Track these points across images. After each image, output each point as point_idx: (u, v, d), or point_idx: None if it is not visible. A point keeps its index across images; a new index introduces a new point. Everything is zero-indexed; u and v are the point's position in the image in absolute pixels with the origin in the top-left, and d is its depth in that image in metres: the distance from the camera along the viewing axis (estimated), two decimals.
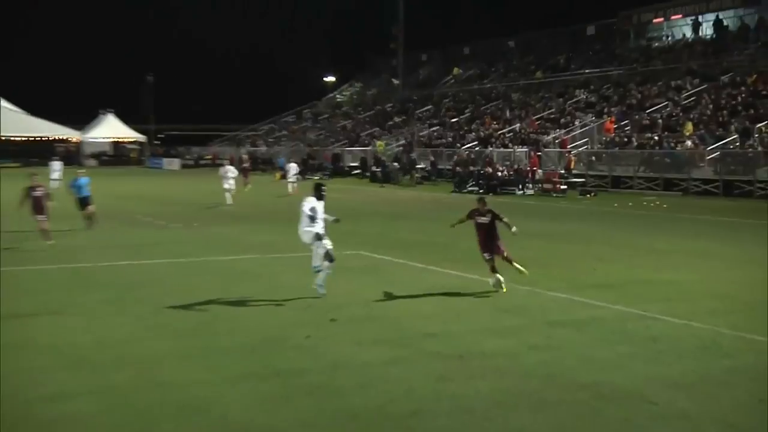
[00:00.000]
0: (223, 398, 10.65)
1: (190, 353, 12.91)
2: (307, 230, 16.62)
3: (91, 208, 28.23)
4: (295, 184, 47.99)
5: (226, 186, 41.70)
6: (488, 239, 17.13)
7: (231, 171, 42.89)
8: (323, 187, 17.41)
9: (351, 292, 17.62)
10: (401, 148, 73.37)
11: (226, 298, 17.25)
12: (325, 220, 16.92)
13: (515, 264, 16.99)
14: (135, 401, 10.54)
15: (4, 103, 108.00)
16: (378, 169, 65.66)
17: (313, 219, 16.46)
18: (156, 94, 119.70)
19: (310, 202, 16.71)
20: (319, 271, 16.61)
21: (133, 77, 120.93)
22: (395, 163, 66.34)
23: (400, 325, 14.61)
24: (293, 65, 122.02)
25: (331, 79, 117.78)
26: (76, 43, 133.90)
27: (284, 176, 52.28)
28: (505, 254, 17.24)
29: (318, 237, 16.49)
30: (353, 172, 73.93)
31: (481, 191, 50.56)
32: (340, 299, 16.55)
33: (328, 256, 16.28)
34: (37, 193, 24.14)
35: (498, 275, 16.80)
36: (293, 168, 50.88)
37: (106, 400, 10.61)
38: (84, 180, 28.60)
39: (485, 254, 17.18)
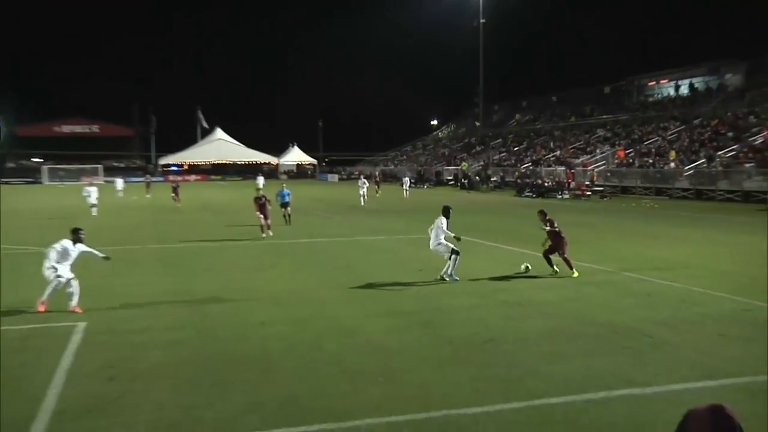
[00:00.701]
0: (366, 327, 10.94)
1: (346, 297, 13.28)
2: (442, 243, 15.05)
3: (288, 209, 27.73)
4: (408, 191, 48.48)
5: (360, 192, 41.30)
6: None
7: (363, 182, 42.43)
8: (449, 209, 15.76)
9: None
10: (481, 166, 72.97)
11: (367, 263, 17.53)
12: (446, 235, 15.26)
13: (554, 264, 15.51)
14: (313, 326, 10.94)
15: (229, 138, 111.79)
16: (465, 181, 65.44)
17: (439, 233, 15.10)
18: (324, 132, 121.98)
19: (442, 221, 15.24)
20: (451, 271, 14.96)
21: (310, 122, 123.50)
22: (477, 177, 66.49)
23: (479, 282, 14.69)
24: (412, 112, 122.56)
25: (435, 122, 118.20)
26: (280, 100, 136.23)
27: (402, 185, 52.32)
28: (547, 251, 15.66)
29: (447, 248, 14.94)
30: (449, 183, 73.97)
31: (534, 196, 50.22)
32: (441, 264, 16.67)
33: (455, 252, 14.90)
34: (261, 201, 23.77)
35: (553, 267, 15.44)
36: (407, 181, 51.38)
37: (295, 325, 11.04)
38: (286, 191, 28.25)
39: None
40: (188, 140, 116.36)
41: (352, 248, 20.88)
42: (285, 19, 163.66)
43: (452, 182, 73.10)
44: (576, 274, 15.07)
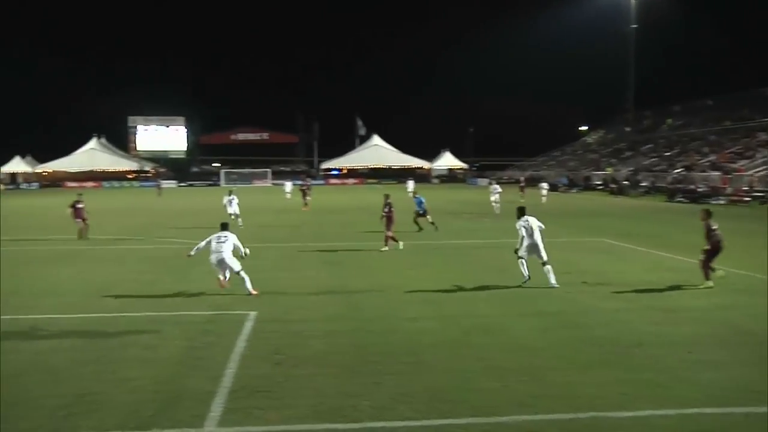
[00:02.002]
0: (512, 326, 10.85)
1: (494, 297, 13.19)
2: (534, 243, 14.18)
3: (428, 217, 25.68)
4: (545, 196, 46.01)
5: (491, 198, 37.40)
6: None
7: (495, 188, 38.75)
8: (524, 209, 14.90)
9: (594, 265, 17.15)
10: (630, 172, 69.70)
11: (517, 266, 17.27)
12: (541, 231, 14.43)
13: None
14: (461, 323, 10.98)
15: (385, 143, 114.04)
16: (614, 186, 62.75)
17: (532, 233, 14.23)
18: (474, 138, 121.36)
19: (531, 220, 14.42)
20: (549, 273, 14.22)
21: (461, 129, 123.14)
22: (626, 182, 63.46)
23: (627, 286, 14.03)
24: (561, 117, 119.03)
25: (584, 128, 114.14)
26: (432, 107, 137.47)
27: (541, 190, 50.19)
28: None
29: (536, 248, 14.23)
30: (598, 188, 71.17)
31: (686, 201, 47.35)
32: (587, 268, 16.17)
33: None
34: (388, 210, 20.74)
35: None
36: (544, 186, 48.68)
37: (444, 322, 11.14)
38: (421, 199, 26.54)
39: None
40: (347, 146, 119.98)
41: (502, 251, 20.64)
42: (437, 28, 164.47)
43: (601, 187, 70.37)
44: (711, 284, 13.76)
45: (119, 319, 11.41)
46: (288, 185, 54.96)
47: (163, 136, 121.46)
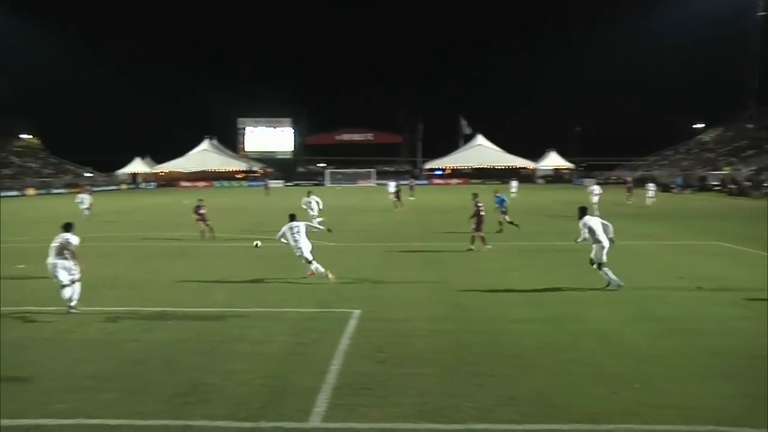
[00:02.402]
0: (622, 331, 10.50)
1: (600, 300, 12.80)
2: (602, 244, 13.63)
3: (507, 217, 25.38)
4: (652, 198, 43.45)
5: (590, 200, 35.46)
6: None
7: (593, 189, 37.25)
8: (586, 209, 14.32)
9: (710, 269, 16.33)
10: (753, 171, 65.76)
11: (623, 267, 16.66)
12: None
13: None
14: (566, 326, 10.77)
15: (489, 143, 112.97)
16: (733, 186, 59.39)
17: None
18: (582, 138, 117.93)
19: (595, 220, 13.95)
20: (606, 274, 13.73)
21: (567, 128, 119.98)
22: (748, 182, 59.85)
23: (746, 293, 13.23)
24: (674, 115, 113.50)
25: (700, 125, 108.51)
26: (538, 106, 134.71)
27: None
28: None
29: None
30: (714, 189, 67.54)
31: None
32: (702, 272, 15.41)
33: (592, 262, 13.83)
34: (479, 210, 20.36)
35: None
36: (651, 187, 45.76)
37: (548, 324, 10.94)
38: (504, 197, 26.01)
39: None
40: (451, 146, 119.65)
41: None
42: (542, 25, 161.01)
43: (719, 188, 66.77)
44: None
45: (229, 314, 11.88)
46: (392, 185, 55.38)
47: (271, 137, 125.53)
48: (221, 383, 8.08)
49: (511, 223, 25.38)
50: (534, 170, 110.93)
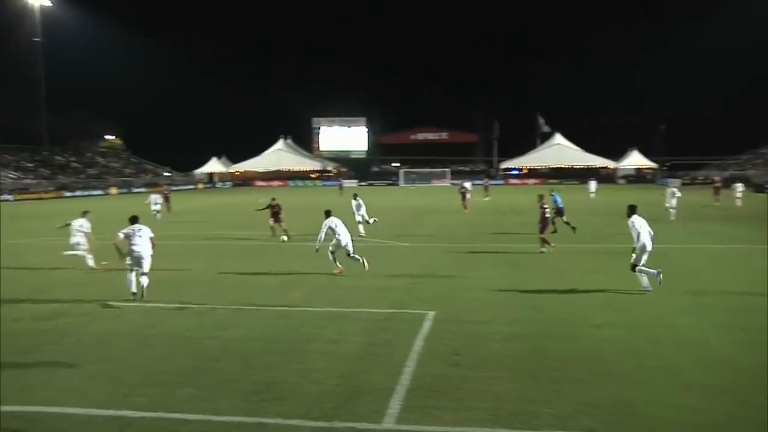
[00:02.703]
0: (710, 339, 10.11)
1: (687, 306, 12.29)
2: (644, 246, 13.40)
3: (564, 218, 25.11)
4: (740, 199, 41.27)
5: (666, 204, 32.90)
6: None
7: (674, 191, 33.88)
8: (635, 207, 14.05)
9: None
10: None
11: (712, 271, 16.04)
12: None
13: None
14: (650, 333, 10.45)
15: (568, 142, 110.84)
16: None
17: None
18: (666, 136, 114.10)
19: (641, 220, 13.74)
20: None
21: (650, 126, 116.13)
22: None
23: None
24: None
25: None
26: (619, 104, 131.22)
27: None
28: None
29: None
30: None
31: None
32: None
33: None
34: (544, 212, 20.30)
35: None
36: (739, 187, 43.42)
37: (631, 330, 10.62)
38: (558, 197, 25.73)
39: None
40: (528, 145, 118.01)
41: (693, 255, 19.30)
42: (623, 21, 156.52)
43: None
44: None
45: (303, 313, 12.06)
46: (467, 185, 55.06)
47: (345, 137, 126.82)
48: (295, 382, 8.19)
49: (567, 223, 25.18)
50: (615, 170, 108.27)
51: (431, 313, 11.74)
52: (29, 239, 25.91)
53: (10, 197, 68.06)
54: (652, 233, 13.72)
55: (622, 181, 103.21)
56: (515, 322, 11.17)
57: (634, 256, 13.58)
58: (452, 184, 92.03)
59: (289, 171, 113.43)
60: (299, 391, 7.86)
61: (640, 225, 13.62)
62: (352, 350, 9.61)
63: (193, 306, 12.71)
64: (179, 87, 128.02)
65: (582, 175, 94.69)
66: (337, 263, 16.34)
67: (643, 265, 13.50)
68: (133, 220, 14.01)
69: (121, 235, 13.75)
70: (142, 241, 13.65)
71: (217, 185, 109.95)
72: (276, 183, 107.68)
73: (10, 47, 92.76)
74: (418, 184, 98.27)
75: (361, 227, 25.47)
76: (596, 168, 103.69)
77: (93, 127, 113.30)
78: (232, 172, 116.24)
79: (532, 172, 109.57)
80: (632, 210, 13.98)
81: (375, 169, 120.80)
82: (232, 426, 6.90)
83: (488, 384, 8.03)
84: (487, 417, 7.06)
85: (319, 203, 50.51)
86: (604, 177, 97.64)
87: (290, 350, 9.60)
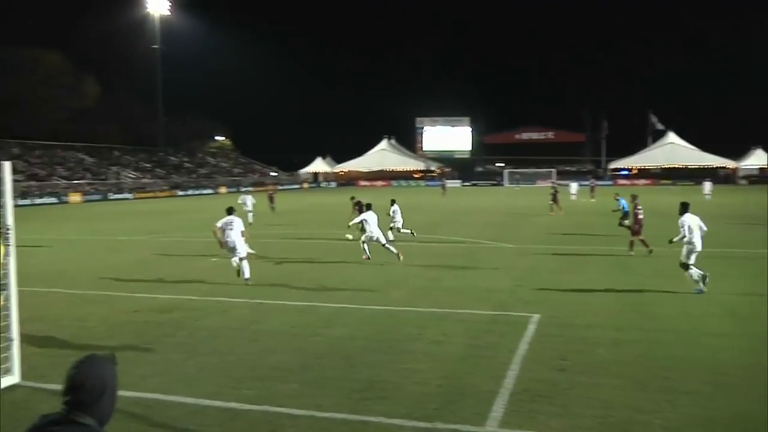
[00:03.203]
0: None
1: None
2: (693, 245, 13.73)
3: (627, 222, 23.80)
4: None
5: None
6: None
7: None
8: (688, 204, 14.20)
9: None
10: None
11: None
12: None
13: None
14: None
15: (682, 141, 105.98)
16: None
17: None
18: None
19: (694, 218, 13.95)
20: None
21: None
22: None
23: None
24: None
25: None
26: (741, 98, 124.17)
27: None
28: None
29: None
30: None
31: None
32: None
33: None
34: (638, 213, 19.98)
35: None
36: None
37: (748, 340, 10.04)
38: (623, 201, 24.69)
39: None
40: (638, 144, 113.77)
41: None
42: (742, 11, 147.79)
43: None
44: None
45: (406, 313, 12.13)
46: (573, 186, 53.85)
47: (449, 136, 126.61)
48: (398, 381, 8.25)
49: (625, 226, 24.24)
50: (735, 170, 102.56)
51: (536, 316, 11.55)
52: (146, 236, 27.35)
53: (130, 195, 72.25)
54: (704, 231, 14.02)
55: (743, 181, 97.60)
56: (623, 328, 10.81)
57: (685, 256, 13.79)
58: (558, 184, 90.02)
59: (392, 171, 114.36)
60: (402, 391, 7.91)
61: (693, 224, 13.81)
62: (454, 351, 9.59)
63: (298, 303, 13.04)
64: (286, 89, 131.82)
65: (697, 175, 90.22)
66: (368, 252, 18.42)
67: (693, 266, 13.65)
68: (229, 211, 15.78)
69: (219, 224, 15.46)
70: (234, 233, 15.29)
71: (321, 185, 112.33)
72: (380, 183, 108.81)
73: (133, 55, 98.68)
74: (522, 185, 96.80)
75: (390, 233, 24.36)
76: (713, 168, 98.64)
77: (205, 128, 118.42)
78: (337, 172, 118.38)
79: (643, 173, 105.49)
80: (684, 208, 14.11)
81: (479, 169, 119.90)
82: (335, 422, 7.03)
83: (596, 391, 7.81)
84: (594, 425, 6.86)
85: (423, 204, 50.72)
86: (722, 178, 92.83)
87: (393, 349, 9.68)
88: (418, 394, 7.81)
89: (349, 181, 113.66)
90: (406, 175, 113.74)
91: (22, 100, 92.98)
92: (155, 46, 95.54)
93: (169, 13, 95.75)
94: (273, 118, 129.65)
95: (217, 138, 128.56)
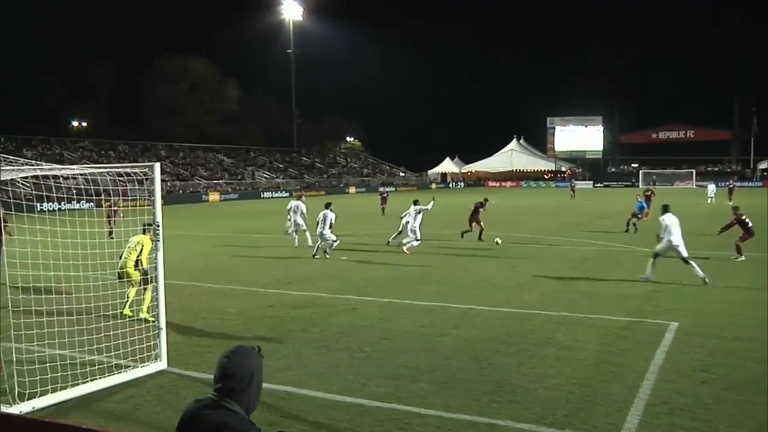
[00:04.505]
0: None
1: None
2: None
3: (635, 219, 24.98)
4: None
5: None
6: None
7: None
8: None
9: None
10: None
11: None
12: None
13: None
14: None
15: None
16: None
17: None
18: None
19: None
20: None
21: None
22: None
23: None
24: None
25: None
26: None
27: None
28: None
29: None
30: None
31: None
32: None
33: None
34: (741, 217, 19.52)
35: None
36: None
37: None
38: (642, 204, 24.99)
39: None
40: None
41: None
42: None
43: None
44: None
45: (537, 316, 11.88)
46: (710, 188, 50.78)
47: (580, 136, 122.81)
48: (527, 386, 8.09)
49: (632, 225, 26.06)
50: None
51: (674, 324, 10.97)
52: (279, 234, 28.40)
53: (267, 195, 75.43)
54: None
55: None
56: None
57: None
58: (698, 186, 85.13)
59: (522, 171, 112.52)
60: (531, 396, 7.76)
61: (672, 223, 14.78)
62: (587, 358, 9.29)
63: (426, 303, 13.10)
64: (416, 89, 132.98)
65: None
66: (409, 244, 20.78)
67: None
68: (327, 205, 20.23)
69: (320, 216, 19.82)
70: (324, 225, 19.66)
71: (450, 185, 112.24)
72: (509, 184, 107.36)
73: (270, 60, 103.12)
74: (659, 186, 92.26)
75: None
76: None
77: (336, 129, 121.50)
78: (465, 172, 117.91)
79: None
80: (664, 209, 15.16)
81: (612, 169, 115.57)
82: (463, 424, 6.99)
83: (745, 408, 7.28)
84: None
85: (552, 205, 49.58)
86: None
87: (523, 353, 9.51)
88: (548, 399, 7.63)
89: (477, 181, 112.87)
90: (536, 176, 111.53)
91: (173, 105, 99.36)
92: (290, 51, 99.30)
93: (302, 19, 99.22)
94: (402, 119, 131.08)
95: (348, 139, 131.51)
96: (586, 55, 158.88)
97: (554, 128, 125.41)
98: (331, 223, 19.92)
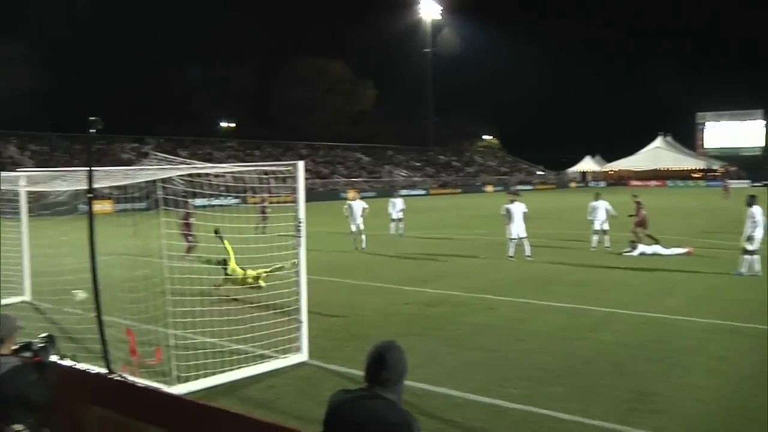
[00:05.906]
0: None
1: None
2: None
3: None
4: None
5: None
6: None
7: None
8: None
9: None
10: None
11: None
12: None
13: None
14: None
15: None
16: None
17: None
18: None
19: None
20: None
21: None
22: None
23: None
24: None
25: None
26: None
27: None
28: None
29: None
30: None
31: None
32: None
33: None
34: None
35: None
36: None
37: None
38: None
39: None
40: None
41: None
42: None
43: None
44: None
45: (682, 323, 11.28)
46: None
47: (736, 132, 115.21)
48: (673, 395, 7.70)
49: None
50: None
51: None
52: (415, 231, 28.65)
53: (404, 192, 76.24)
54: None
55: None
56: None
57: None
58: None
59: (667, 170, 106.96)
60: (677, 407, 7.37)
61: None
62: (741, 370, 8.70)
63: (564, 305, 12.77)
64: (555, 86, 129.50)
65: None
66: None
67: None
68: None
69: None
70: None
71: (589, 184, 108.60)
72: (653, 183, 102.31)
73: (406, 59, 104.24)
74: None
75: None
76: None
77: (473, 127, 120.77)
78: (606, 171, 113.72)
79: None
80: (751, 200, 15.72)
81: None
82: (603, 431, 6.77)
83: None
84: None
85: (701, 206, 46.76)
86: None
87: (667, 361, 9.05)
88: (696, 412, 7.23)
89: (619, 180, 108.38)
90: (683, 175, 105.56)
91: (311, 106, 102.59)
92: (427, 50, 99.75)
93: (441, 17, 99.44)
94: (541, 116, 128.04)
95: (484, 137, 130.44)
96: (739, 47, 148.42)
97: (704, 124, 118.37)
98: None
